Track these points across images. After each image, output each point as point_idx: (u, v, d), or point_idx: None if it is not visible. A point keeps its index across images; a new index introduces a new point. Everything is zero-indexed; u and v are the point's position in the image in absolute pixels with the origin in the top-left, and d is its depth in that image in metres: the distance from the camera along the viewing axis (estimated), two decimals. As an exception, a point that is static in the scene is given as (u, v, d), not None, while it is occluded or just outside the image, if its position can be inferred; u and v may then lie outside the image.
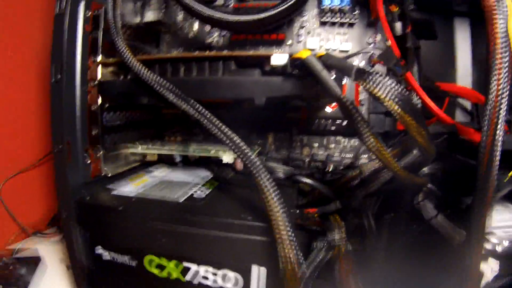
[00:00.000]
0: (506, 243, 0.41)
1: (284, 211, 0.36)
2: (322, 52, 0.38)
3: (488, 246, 0.41)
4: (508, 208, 0.48)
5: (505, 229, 0.43)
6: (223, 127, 0.40)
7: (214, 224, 0.41)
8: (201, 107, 0.41)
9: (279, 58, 0.41)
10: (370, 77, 0.32)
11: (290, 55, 0.40)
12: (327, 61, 0.36)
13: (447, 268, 0.45)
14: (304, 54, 0.37)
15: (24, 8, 0.71)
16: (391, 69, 0.42)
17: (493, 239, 0.41)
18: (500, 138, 0.35)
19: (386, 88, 0.32)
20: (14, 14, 0.70)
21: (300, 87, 0.41)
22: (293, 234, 0.36)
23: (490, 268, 0.41)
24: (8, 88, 0.70)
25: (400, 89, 0.32)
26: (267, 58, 0.42)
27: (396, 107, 0.32)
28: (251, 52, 0.49)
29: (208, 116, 0.41)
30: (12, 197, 0.70)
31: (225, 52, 0.45)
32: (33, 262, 0.61)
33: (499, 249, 0.41)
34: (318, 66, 0.36)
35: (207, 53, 0.45)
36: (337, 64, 0.35)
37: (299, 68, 0.40)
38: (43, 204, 0.77)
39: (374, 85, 0.32)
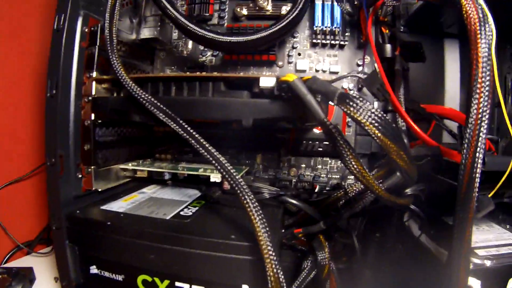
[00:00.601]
0: (488, 263, 0.42)
1: (265, 231, 0.37)
2: (308, 76, 0.39)
3: (470, 266, 0.41)
4: (492, 228, 0.49)
5: (488, 249, 0.44)
6: (210, 147, 0.41)
7: (198, 243, 0.42)
8: (189, 127, 0.42)
9: (267, 80, 0.42)
10: (351, 102, 0.33)
11: (278, 78, 0.41)
12: (312, 85, 0.37)
13: (436, 285, 0.46)
14: (290, 78, 0.38)
15: (23, 22, 0.72)
16: (374, 94, 0.43)
17: (475, 259, 0.42)
18: (480, 160, 0.35)
19: (367, 113, 0.33)
20: (13, 28, 0.71)
21: (287, 110, 0.42)
22: (273, 254, 0.36)
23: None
24: (3, 99, 0.70)
25: (379, 114, 0.33)
26: (256, 80, 0.43)
27: (376, 131, 0.33)
28: (240, 74, 0.50)
29: (195, 136, 0.41)
30: (3, 208, 0.70)
31: (215, 74, 0.46)
32: (23, 273, 0.61)
33: (481, 268, 0.42)
34: (303, 89, 0.37)
35: (197, 74, 0.46)
36: (321, 89, 0.36)
37: (285, 91, 0.41)
38: (34, 215, 0.77)
39: (355, 110, 0.33)
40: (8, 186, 0.72)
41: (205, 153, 0.41)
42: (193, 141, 0.41)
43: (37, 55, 0.73)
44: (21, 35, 0.72)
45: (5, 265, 0.69)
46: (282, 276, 0.37)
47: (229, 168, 0.40)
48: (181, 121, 0.42)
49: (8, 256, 0.71)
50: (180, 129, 0.42)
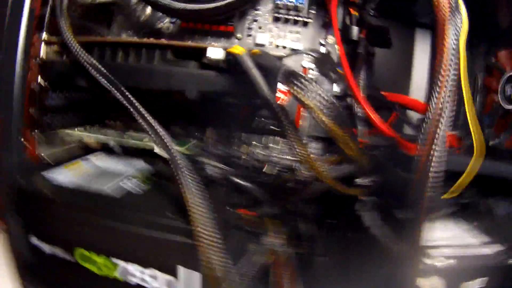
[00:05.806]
0: (439, 264, 0.41)
1: (205, 212, 0.35)
2: (257, 49, 0.37)
3: (421, 265, 0.40)
4: (451, 227, 0.48)
5: (442, 248, 0.42)
6: (149, 117, 0.39)
7: (130, 219, 0.40)
8: (129, 95, 0.40)
9: (214, 51, 0.40)
10: (296, 81, 0.31)
11: (226, 50, 0.39)
12: (259, 59, 0.35)
13: (388, 277, 0.45)
14: (238, 50, 0.36)
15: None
16: (325, 75, 0.41)
17: (427, 259, 0.41)
18: (435, 158, 0.34)
19: (312, 94, 0.31)
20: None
21: (233, 84, 0.40)
22: (208, 236, 0.34)
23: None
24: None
25: (327, 97, 0.31)
26: (204, 50, 0.41)
27: (322, 115, 0.31)
28: (188, 43, 0.47)
29: (135, 104, 0.39)
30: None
31: (162, 41, 0.44)
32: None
33: (440, 266, 0.41)
34: (249, 63, 0.35)
35: (144, 40, 0.44)
36: (266, 63, 0.34)
37: (232, 63, 0.39)
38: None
39: (299, 90, 0.31)
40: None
41: (143, 123, 0.39)
42: (132, 109, 0.39)
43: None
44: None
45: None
46: (221, 261, 0.35)
47: (166, 140, 0.38)
48: (122, 87, 0.40)
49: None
50: (120, 96, 0.40)
